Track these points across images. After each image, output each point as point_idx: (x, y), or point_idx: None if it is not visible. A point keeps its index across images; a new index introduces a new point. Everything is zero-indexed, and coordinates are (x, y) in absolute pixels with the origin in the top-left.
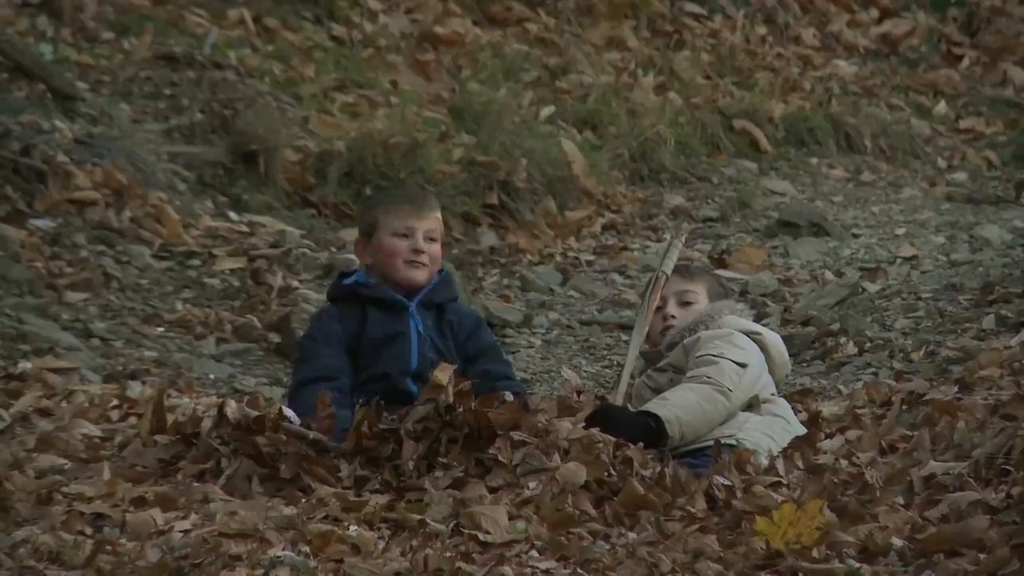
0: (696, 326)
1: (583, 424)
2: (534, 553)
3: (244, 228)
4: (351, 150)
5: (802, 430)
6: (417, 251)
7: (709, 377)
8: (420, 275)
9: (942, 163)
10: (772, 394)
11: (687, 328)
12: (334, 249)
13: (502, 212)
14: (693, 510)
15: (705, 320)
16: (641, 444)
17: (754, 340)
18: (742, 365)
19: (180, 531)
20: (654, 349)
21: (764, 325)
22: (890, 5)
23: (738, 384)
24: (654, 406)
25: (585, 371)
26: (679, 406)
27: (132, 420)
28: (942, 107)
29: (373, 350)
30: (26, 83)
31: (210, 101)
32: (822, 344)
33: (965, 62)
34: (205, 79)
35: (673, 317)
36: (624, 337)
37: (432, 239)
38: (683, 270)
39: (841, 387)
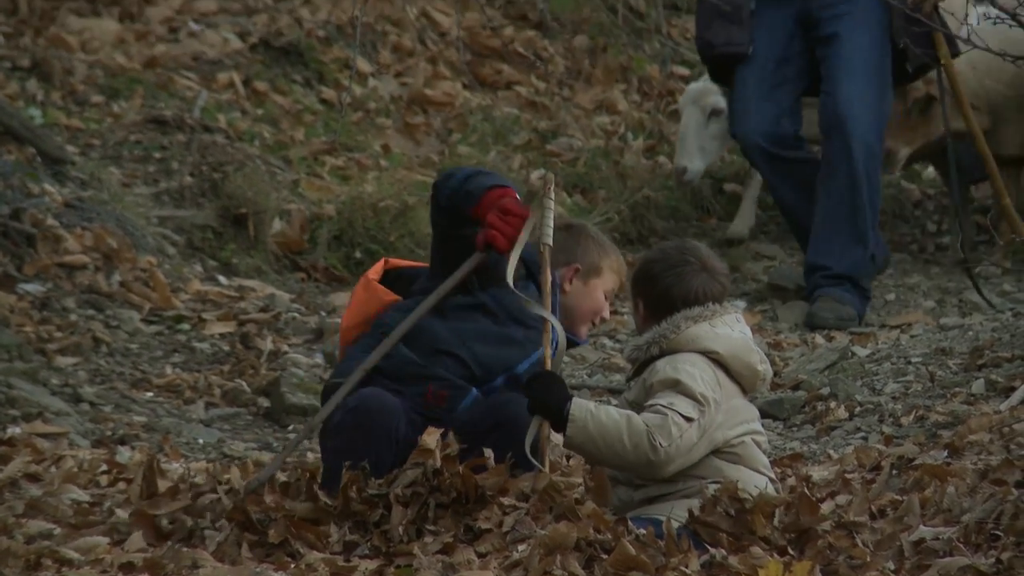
0: (651, 345)
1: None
2: None
3: (233, 292)
4: (341, 213)
5: (763, 478)
6: (602, 319)
7: (650, 427)
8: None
9: (931, 227)
10: (733, 435)
11: (642, 346)
12: (323, 313)
13: None
14: (687, 570)
15: (659, 340)
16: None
17: (713, 359)
18: (688, 419)
19: None
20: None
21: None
22: None
23: (676, 440)
24: (585, 402)
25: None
26: (602, 422)
27: (121, 485)
28: (931, 171)
29: None
30: (16, 147)
31: (200, 164)
32: (812, 408)
33: None
34: (195, 142)
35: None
36: (614, 401)
37: None
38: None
39: (831, 451)
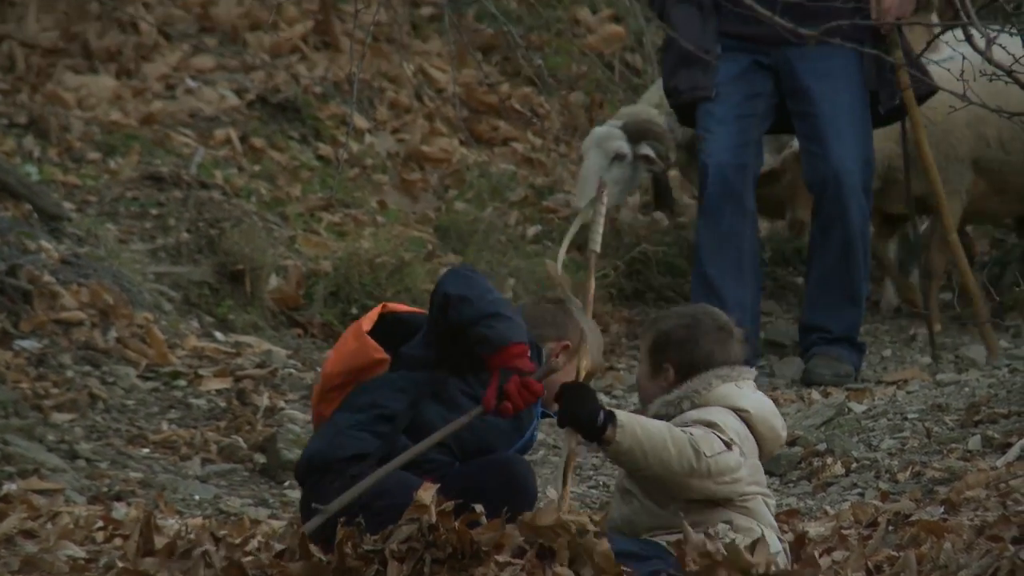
0: (682, 401)
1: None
2: None
3: (230, 348)
4: (337, 270)
5: (774, 535)
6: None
7: (692, 433)
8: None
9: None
10: (748, 491)
11: (673, 402)
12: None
13: None
14: None
15: (691, 395)
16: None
17: (741, 418)
18: (727, 444)
19: None
20: (639, 409)
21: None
22: None
23: (718, 454)
24: (621, 413)
25: (571, 491)
26: (647, 427)
27: (117, 542)
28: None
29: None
30: (12, 203)
31: (196, 221)
32: (808, 464)
33: None
34: (191, 199)
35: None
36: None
37: None
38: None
39: (827, 507)
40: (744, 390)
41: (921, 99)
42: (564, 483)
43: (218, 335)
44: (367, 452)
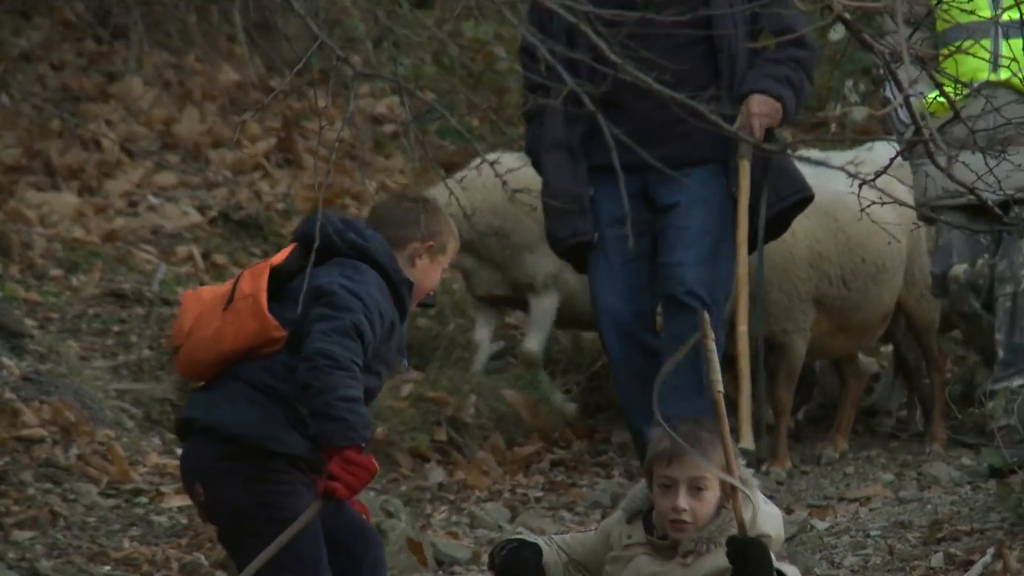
0: (715, 536)
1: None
2: None
3: None
4: None
5: None
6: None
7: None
8: None
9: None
10: None
11: (704, 540)
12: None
13: (451, 448)
14: None
15: (725, 529)
16: None
17: None
18: None
19: None
20: (661, 540)
21: None
22: None
23: None
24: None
25: None
26: None
27: None
28: (889, 347)
29: None
30: None
31: (158, 338)
32: None
33: None
34: (153, 315)
35: (685, 511)
36: None
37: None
38: (696, 444)
39: None
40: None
41: (797, 207)
42: None
43: (180, 452)
44: (295, 455)
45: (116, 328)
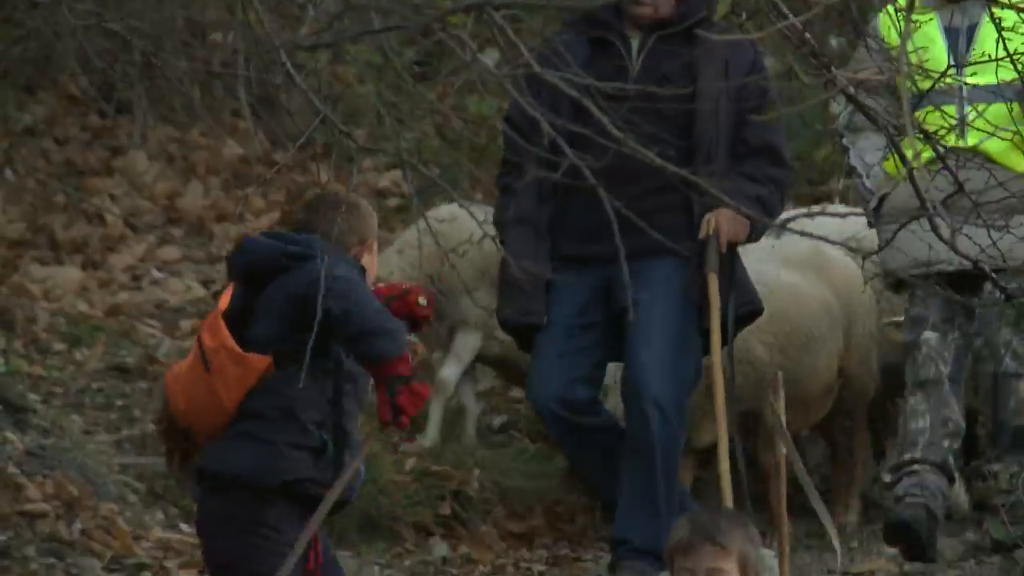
0: None
1: None
2: None
3: (195, 539)
4: None
5: None
6: None
7: None
8: None
9: (888, 476)
10: None
11: None
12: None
13: (455, 522)
14: None
15: None
16: None
17: None
18: None
19: None
20: None
21: None
22: None
23: None
24: None
25: None
26: None
27: None
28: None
29: None
30: None
31: None
32: None
33: None
34: (156, 390)
35: None
36: None
37: None
38: (714, 533)
39: None
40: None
41: (748, 318)
42: None
43: (183, 526)
44: (300, 479)
45: (119, 402)
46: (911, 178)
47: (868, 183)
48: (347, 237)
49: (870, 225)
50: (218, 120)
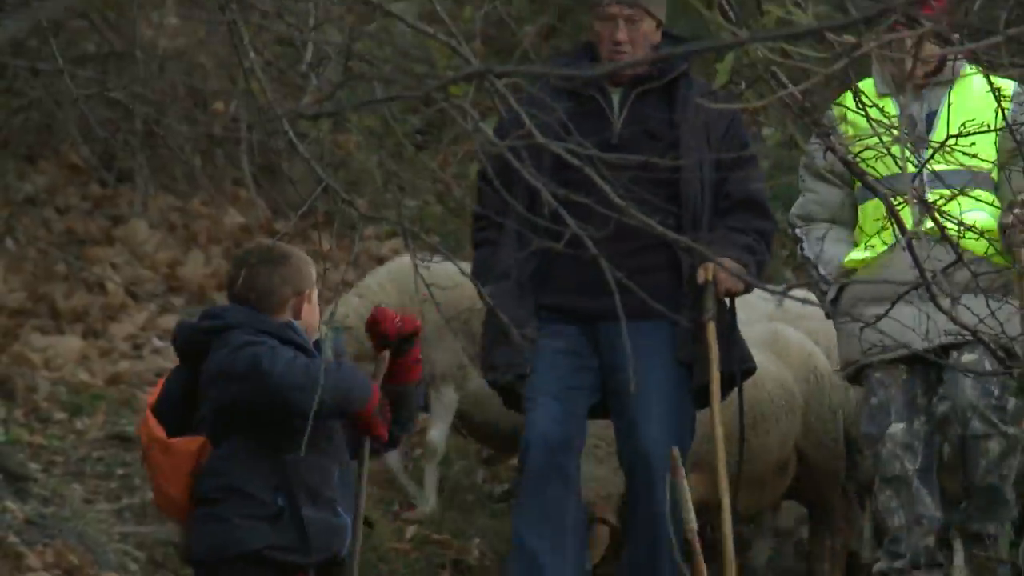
0: None
1: None
2: None
3: None
4: None
5: None
6: None
7: None
8: None
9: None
10: None
11: None
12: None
13: None
14: None
15: None
16: None
17: None
18: None
19: None
20: None
21: None
22: None
23: None
24: None
25: None
26: None
27: None
28: None
29: None
30: None
31: None
32: None
33: None
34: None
35: None
36: None
37: None
38: None
39: None
40: None
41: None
42: None
43: None
44: (263, 546)
45: (120, 471)
46: (910, 248)
47: (824, 272)
48: (281, 290)
49: (828, 316)
50: (219, 189)
